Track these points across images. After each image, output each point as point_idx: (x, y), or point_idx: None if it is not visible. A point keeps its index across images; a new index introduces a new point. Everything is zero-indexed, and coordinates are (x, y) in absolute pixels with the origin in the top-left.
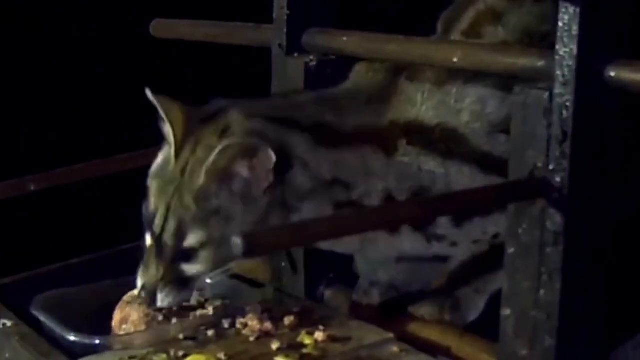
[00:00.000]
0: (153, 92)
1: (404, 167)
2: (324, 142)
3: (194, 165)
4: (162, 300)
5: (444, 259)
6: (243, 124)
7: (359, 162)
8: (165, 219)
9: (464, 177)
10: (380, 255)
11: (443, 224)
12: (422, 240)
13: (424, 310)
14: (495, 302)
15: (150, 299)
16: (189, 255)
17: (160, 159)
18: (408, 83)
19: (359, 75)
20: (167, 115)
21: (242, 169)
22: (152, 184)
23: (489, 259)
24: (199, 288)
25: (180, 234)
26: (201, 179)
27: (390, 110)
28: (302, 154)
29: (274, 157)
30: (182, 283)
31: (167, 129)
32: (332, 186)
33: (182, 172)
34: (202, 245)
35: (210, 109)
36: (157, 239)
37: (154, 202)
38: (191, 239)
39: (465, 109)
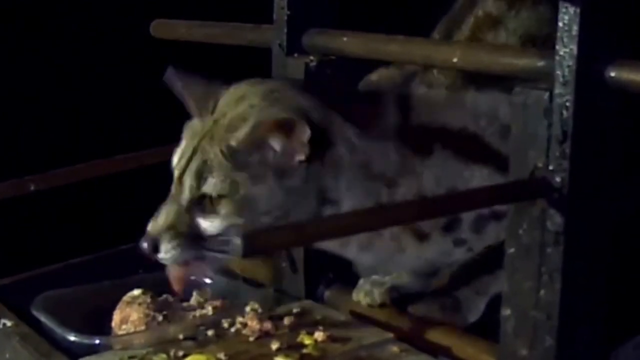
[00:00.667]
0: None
1: (439, 169)
2: (372, 133)
3: (232, 118)
4: (166, 251)
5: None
6: (292, 96)
7: (400, 160)
8: (190, 159)
9: (484, 179)
10: (405, 266)
11: (465, 229)
12: (450, 244)
13: (424, 310)
14: (494, 303)
15: (153, 248)
16: (205, 207)
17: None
18: (427, 89)
19: (377, 80)
20: (184, 86)
21: (276, 144)
22: (185, 134)
23: (489, 261)
24: (199, 287)
25: (201, 175)
26: (234, 140)
27: (419, 115)
28: (351, 137)
29: (308, 131)
30: (192, 239)
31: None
32: (378, 181)
33: (217, 122)
34: (220, 197)
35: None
36: (178, 180)
37: (183, 146)
38: (210, 185)
39: (482, 114)
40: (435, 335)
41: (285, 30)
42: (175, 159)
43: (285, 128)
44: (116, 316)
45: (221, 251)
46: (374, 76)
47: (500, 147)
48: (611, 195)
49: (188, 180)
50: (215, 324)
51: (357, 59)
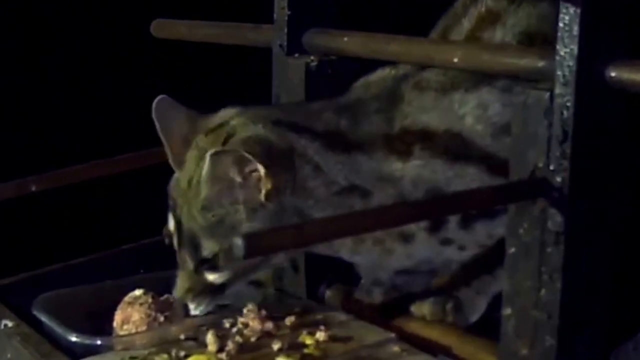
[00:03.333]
0: (155, 94)
1: (419, 170)
2: (337, 147)
3: (198, 176)
4: (194, 309)
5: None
6: (246, 130)
7: (374, 168)
8: (180, 237)
9: (469, 178)
10: (394, 267)
11: (451, 228)
12: (437, 244)
13: (425, 309)
14: (494, 302)
15: (185, 310)
16: (208, 264)
17: (176, 173)
18: (416, 91)
19: (367, 84)
20: (163, 126)
21: (236, 175)
22: (170, 201)
23: (489, 260)
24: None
25: (195, 246)
26: (203, 189)
27: (400, 117)
28: (313, 157)
29: (262, 169)
30: (211, 291)
31: (165, 142)
32: (349, 193)
33: (189, 184)
34: (216, 254)
35: (218, 119)
36: (179, 251)
37: (170, 219)
38: (205, 250)
39: (468, 113)
40: (436, 335)
41: (286, 30)
42: (170, 224)
43: (240, 162)
44: (117, 316)
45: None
46: (372, 77)
47: (490, 145)
48: (611, 195)
49: (186, 252)
50: (216, 324)
51: (358, 59)
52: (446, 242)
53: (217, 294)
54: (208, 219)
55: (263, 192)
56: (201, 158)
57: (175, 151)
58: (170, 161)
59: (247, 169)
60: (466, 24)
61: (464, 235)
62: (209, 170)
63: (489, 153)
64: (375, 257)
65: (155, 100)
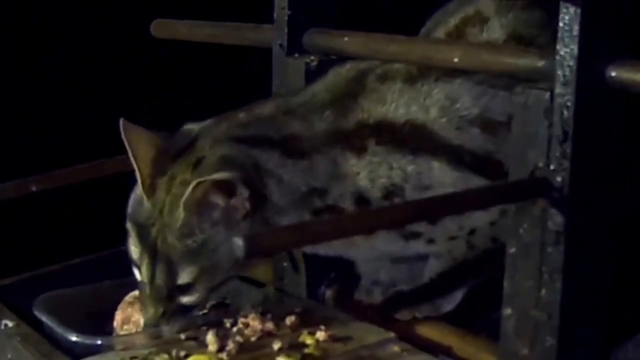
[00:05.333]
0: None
1: (375, 166)
2: (295, 153)
3: (171, 203)
4: (169, 330)
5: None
6: (214, 152)
7: (330, 167)
8: (153, 265)
9: (434, 172)
10: (363, 256)
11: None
12: (398, 239)
13: (407, 314)
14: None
15: (156, 333)
16: (183, 289)
17: (133, 199)
18: (378, 83)
19: (327, 78)
20: (134, 153)
21: (219, 200)
22: (132, 229)
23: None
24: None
25: (172, 275)
26: (181, 216)
27: (358, 111)
28: (275, 170)
29: (246, 192)
30: (184, 310)
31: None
32: (309, 196)
33: (161, 212)
34: (195, 278)
35: (181, 141)
36: (150, 283)
37: (136, 251)
38: (184, 277)
39: (434, 104)
40: (436, 335)
41: (286, 30)
42: (134, 253)
43: (224, 189)
44: (118, 316)
45: None
46: (329, 74)
47: (456, 138)
48: (612, 195)
49: (163, 283)
50: (216, 324)
51: (358, 58)
52: (412, 236)
53: (189, 311)
54: (188, 244)
55: (242, 212)
56: (171, 183)
57: (144, 176)
58: (140, 186)
59: (230, 193)
60: (452, 21)
61: (432, 228)
62: (191, 197)
63: (453, 145)
64: (340, 249)
65: (120, 124)
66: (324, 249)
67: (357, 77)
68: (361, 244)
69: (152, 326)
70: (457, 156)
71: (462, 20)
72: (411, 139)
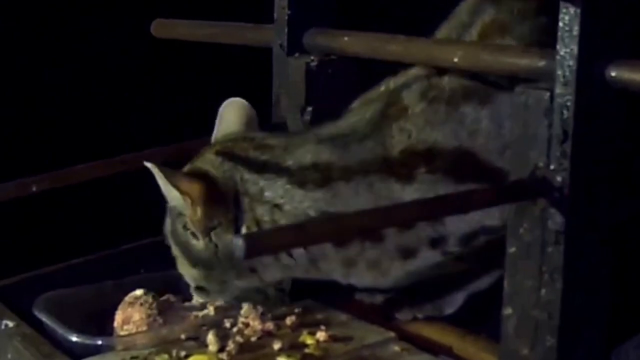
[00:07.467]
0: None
1: (422, 194)
2: (311, 183)
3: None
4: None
5: None
6: (201, 159)
7: (363, 193)
8: None
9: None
10: (389, 287)
11: (451, 243)
12: (439, 257)
13: (408, 314)
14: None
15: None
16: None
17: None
18: (422, 104)
19: (356, 109)
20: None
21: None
22: None
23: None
24: None
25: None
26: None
27: (401, 136)
28: (273, 198)
29: (200, 210)
30: None
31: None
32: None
33: None
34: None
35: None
36: None
37: None
38: (191, 282)
39: (482, 129)
40: (437, 335)
41: (286, 30)
42: None
43: (189, 193)
44: (118, 317)
45: None
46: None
47: (498, 161)
48: (612, 195)
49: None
50: (216, 324)
51: (358, 59)
52: (446, 254)
53: None
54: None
55: (198, 229)
56: None
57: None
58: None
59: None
60: (474, 32)
61: (461, 250)
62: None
63: (494, 168)
64: (367, 283)
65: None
66: (355, 279)
67: (393, 99)
68: (394, 272)
69: None
70: (497, 179)
71: (482, 31)
72: (458, 165)
